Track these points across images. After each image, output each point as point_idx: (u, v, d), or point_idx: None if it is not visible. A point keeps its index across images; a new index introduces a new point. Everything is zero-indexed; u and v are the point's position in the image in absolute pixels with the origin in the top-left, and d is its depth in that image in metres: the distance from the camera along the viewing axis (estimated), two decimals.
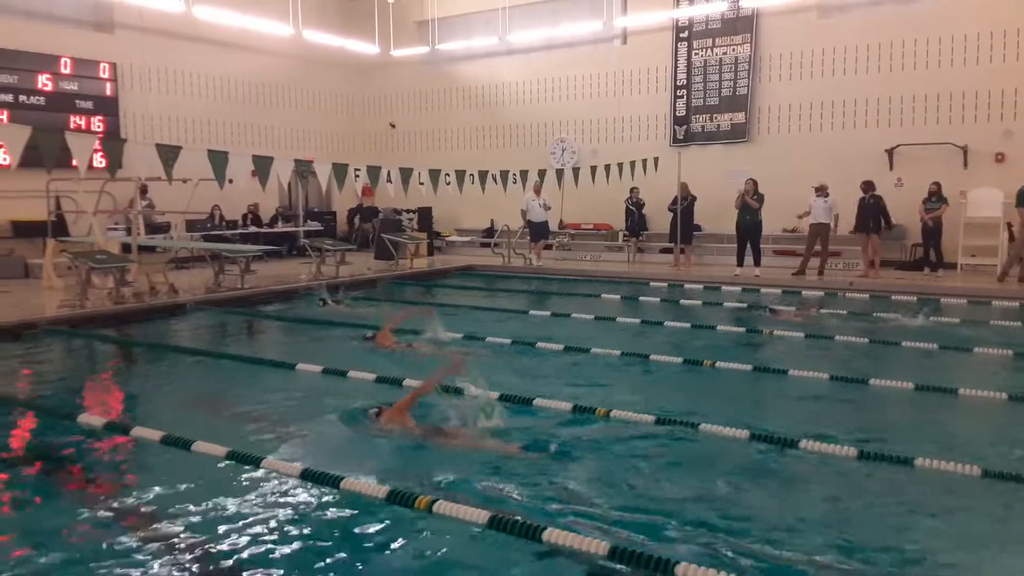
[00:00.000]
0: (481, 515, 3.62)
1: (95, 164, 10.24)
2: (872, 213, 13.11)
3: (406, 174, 11.97)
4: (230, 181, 9.63)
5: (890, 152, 14.55)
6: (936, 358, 7.50)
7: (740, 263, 13.89)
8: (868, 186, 13.21)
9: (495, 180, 13.41)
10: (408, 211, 18.63)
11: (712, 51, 16.29)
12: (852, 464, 4.44)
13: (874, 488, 4.22)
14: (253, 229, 16.72)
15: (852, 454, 4.50)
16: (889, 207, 13.24)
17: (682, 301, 11.36)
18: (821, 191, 13.25)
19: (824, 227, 13.25)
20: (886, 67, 14.69)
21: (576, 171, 14.83)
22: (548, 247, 16.68)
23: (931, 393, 6.01)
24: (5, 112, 13.37)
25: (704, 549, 3.47)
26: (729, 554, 3.43)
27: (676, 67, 16.73)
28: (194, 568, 3.33)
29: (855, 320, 9.67)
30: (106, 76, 15.05)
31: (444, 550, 3.56)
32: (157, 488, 4.19)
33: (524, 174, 14.04)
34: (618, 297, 11.51)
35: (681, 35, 16.61)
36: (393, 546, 3.61)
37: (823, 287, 12.27)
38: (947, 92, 14.14)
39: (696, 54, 16.48)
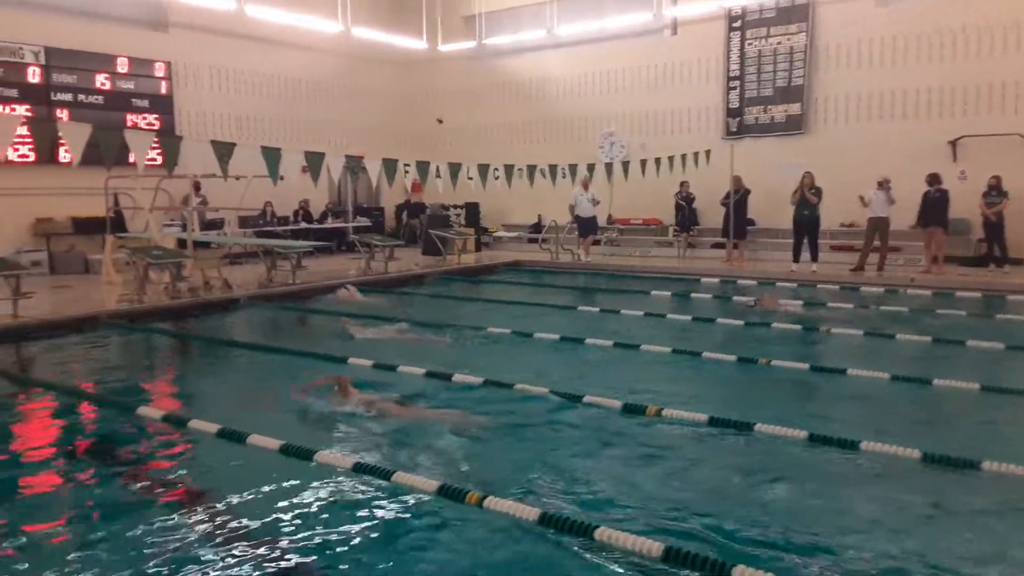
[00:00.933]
0: (531, 512, 3.58)
1: (151, 161, 10.45)
2: (937, 207, 12.65)
3: (455, 169, 11.97)
4: (281, 177, 9.73)
5: (953, 144, 14.03)
6: (1003, 358, 7.19)
7: (796, 258, 13.55)
8: (934, 179, 12.75)
9: (543, 175, 13.33)
10: (455, 207, 18.68)
11: (766, 41, 15.93)
12: (915, 465, 4.27)
13: (939, 492, 4.04)
14: (304, 225, 16.94)
15: (916, 455, 4.33)
16: (953, 201, 12.77)
17: (735, 297, 11.13)
18: (882, 185, 12.84)
19: (883, 221, 12.85)
20: (948, 55, 14.17)
21: (625, 165, 14.66)
22: (596, 242, 16.54)
23: (998, 395, 5.76)
24: (65, 111, 13.75)
25: (759, 550, 3.36)
26: (784, 557, 3.31)
27: (729, 58, 16.41)
28: (244, 558, 3.34)
29: (918, 317, 9.35)
30: (161, 75, 15.38)
31: (493, 546, 3.51)
32: (212, 480, 4.25)
33: (573, 168, 13.93)
34: (668, 293, 11.33)
35: (734, 25, 16.28)
36: (441, 540, 3.57)
37: (883, 283, 11.91)
38: (1013, 81, 13.57)
39: (749, 44, 16.14)
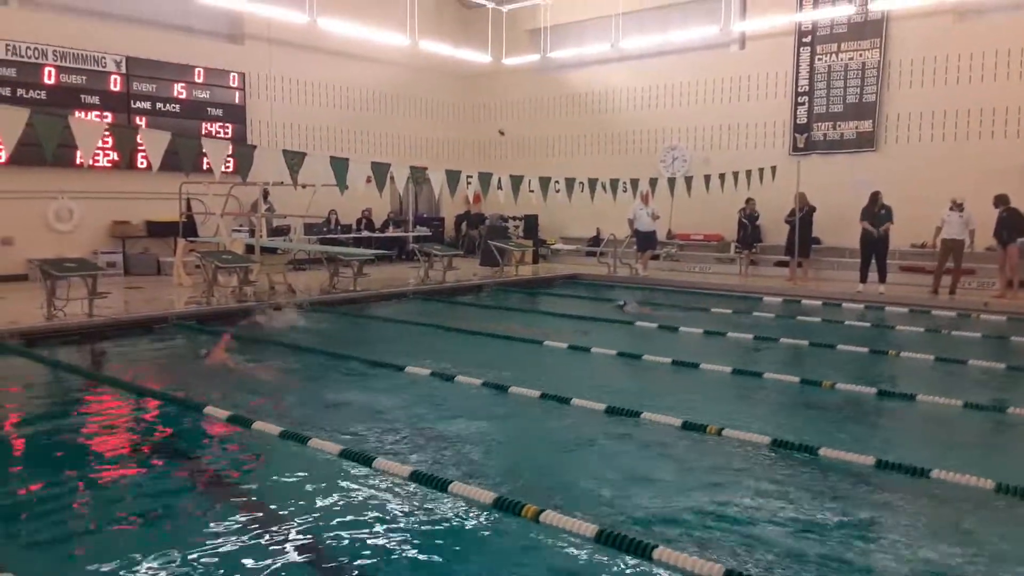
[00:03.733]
0: (589, 528, 3.55)
1: (224, 169, 10.78)
2: (1007, 226, 12.16)
3: (516, 182, 12.02)
4: (347, 187, 9.93)
5: None
6: None
7: (864, 279, 13.17)
8: (1000, 200, 12.27)
9: (604, 188, 13.28)
10: (514, 218, 18.74)
11: (837, 56, 15.60)
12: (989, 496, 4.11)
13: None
14: (366, 234, 17.22)
15: (989, 486, 4.16)
16: None
17: (798, 317, 10.88)
18: (957, 206, 12.40)
19: (958, 243, 12.38)
20: None
21: (688, 180, 14.50)
22: (655, 257, 16.39)
23: None
24: (143, 118, 14.29)
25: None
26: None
27: (798, 73, 16.11)
28: (300, 560, 3.40)
29: (989, 343, 9.01)
30: (235, 85, 15.86)
31: (547, 560, 3.50)
32: (273, 481, 4.33)
33: (634, 182, 13.84)
34: (729, 311, 11.14)
35: (804, 40, 15.99)
36: (495, 553, 3.58)
37: (955, 307, 11.49)
38: None
39: (819, 59, 15.82)
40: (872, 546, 3.62)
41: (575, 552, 3.49)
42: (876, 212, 12.92)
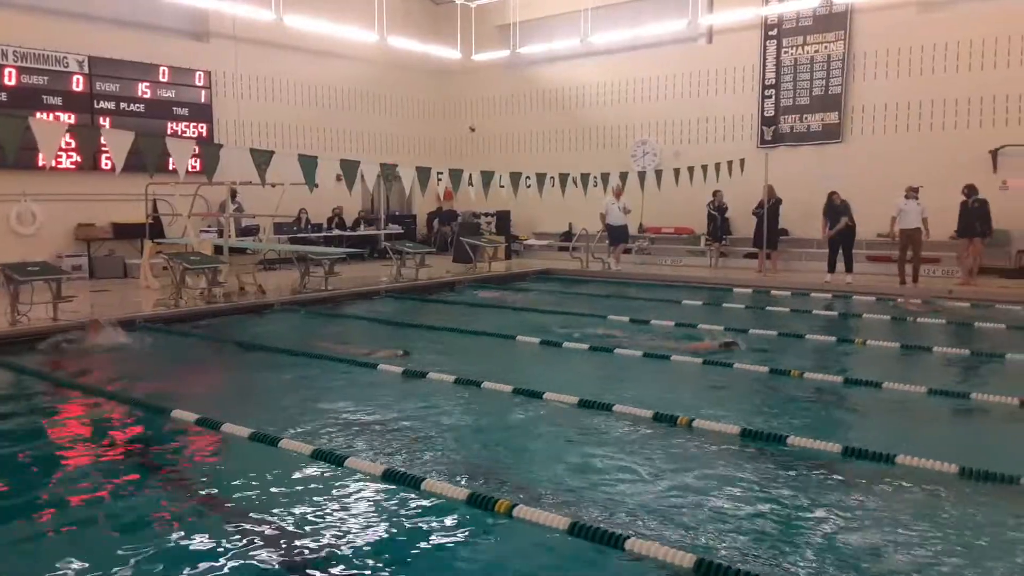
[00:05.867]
0: (562, 521, 3.57)
1: (190, 168, 10.64)
2: (977, 217, 12.39)
3: (487, 177, 12.02)
4: (316, 185, 9.86)
5: (994, 153, 13.76)
6: None
7: (831, 269, 13.36)
8: (971, 190, 12.49)
9: (575, 183, 13.32)
10: (486, 214, 18.73)
11: (803, 49, 15.78)
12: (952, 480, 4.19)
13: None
14: (337, 232, 17.11)
15: (952, 470, 4.25)
16: (993, 211, 12.50)
17: (767, 308, 11.01)
18: (913, 193, 12.59)
19: (917, 232, 12.59)
20: (990, 64, 13.91)
21: (658, 173, 14.59)
22: (627, 251, 16.47)
23: None
24: (107, 119, 14.05)
25: (790, 565, 3.32)
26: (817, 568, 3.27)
27: (764, 66, 16.28)
28: (274, 562, 3.37)
29: (953, 330, 9.19)
30: (201, 84, 15.66)
31: (522, 554, 3.51)
32: (243, 484, 4.29)
33: (605, 177, 13.90)
34: (699, 303, 11.24)
35: (770, 33, 16.15)
36: (470, 548, 3.58)
37: (920, 295, 11.70)
38: None
39: (786, 52, 15.99)
40: (839, 531, 3.68)
41: (549, 546, 3.51)
42: (839, 209, 13.14)
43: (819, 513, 3.89)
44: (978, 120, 14.08)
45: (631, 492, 4.15)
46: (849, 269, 13.25)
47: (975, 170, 13.48)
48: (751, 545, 3.52)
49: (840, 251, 13.29)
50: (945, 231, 12.96)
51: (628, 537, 3.38)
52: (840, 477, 4.37)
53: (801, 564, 3.34)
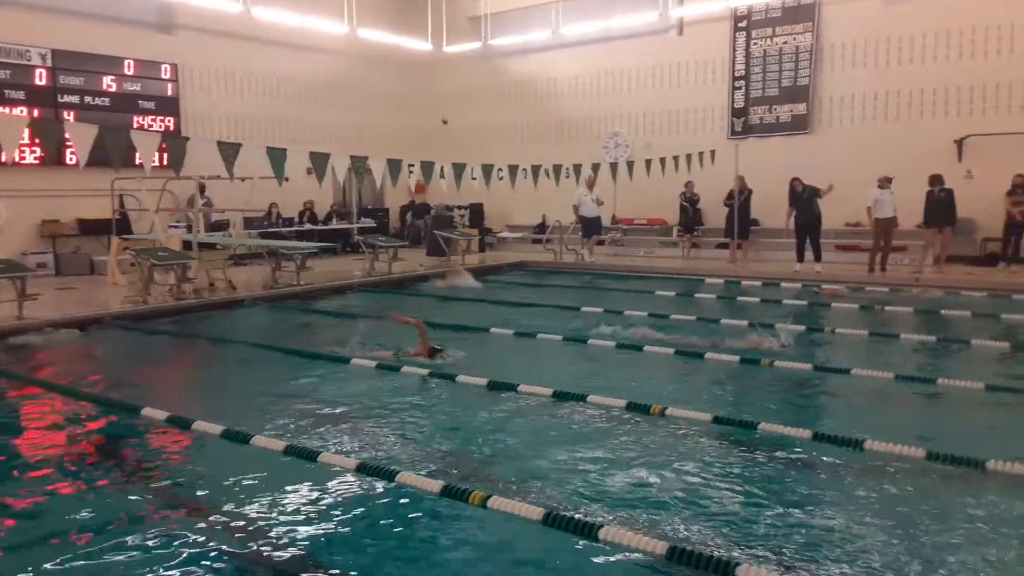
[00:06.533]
0: (536, 511, 3.57)
1: (157, 163, 10.48)
2: (943, 207, 12.60)
3: (459, 170, 11.98)
4: (286, 179, 9.76)
5: (959, 143, 13.99)
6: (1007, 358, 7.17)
7: (800, 258, 13.52)
8: (936, 180, 12.70)
9: (547, 175, 13.32)
10: (460, 207, 18.68)
11: (772, 40, 15.91)
12: (920, 465, 4.26)
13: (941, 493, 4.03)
14: (308, 226, 16.97)
15: (919, 454, 4.32)
16: (959, 200, 12.73)
17: (739, 298, 11.11)
18: (886, 182, 12.77)
19: (893, 221, 12.77)
20: (955, 54, 14.13)
21: (630, 165, 14.65)
22: (600, 243, 16.53)
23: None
24: (72, 113, 13.79)
25: (764, 550, 3.36)
26: (788, 555, 3.31)
27: (734, 57, 16.39)
28: (250, 560, 3.35)
29: (922, 317, 9.35)
30: (168, 76, 15.42)
31: (497, 545, 3.52)
32: (216, 481, 4.25)
33: (577, 168, 13.92)
34: (672, 294, 11.31)
35: (739, 24, 16.26)
36: (445, 540, 3.58)
37: (888, 283, 11.88)
38: (1020, 80, 13.52)
39: (755, 44, 16.11)
40: (809, 515, 3.73)
41: (523, 536, 3.52)
42: (802, 197, 13.29)
43: (790, 498, 3.94)
44: (943, 110, 14.31)
45: (607, 481, 4.17)
46: (818, 258, 13.41)
47: (941, 160, 13.71)
48: (724, 531, 3.55)
49: (808, 241, 13.45)
50: (912, 220, 13.16)
51: (602, 526, 3.40)
52: (810, 462, 4.43)
53: (772, 548, 3.38)
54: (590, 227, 15.79)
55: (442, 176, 11.87)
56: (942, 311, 9.51)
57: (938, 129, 14.20)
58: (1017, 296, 10.52)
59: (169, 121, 15.35)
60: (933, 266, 12.80)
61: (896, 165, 13.46)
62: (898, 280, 11.99)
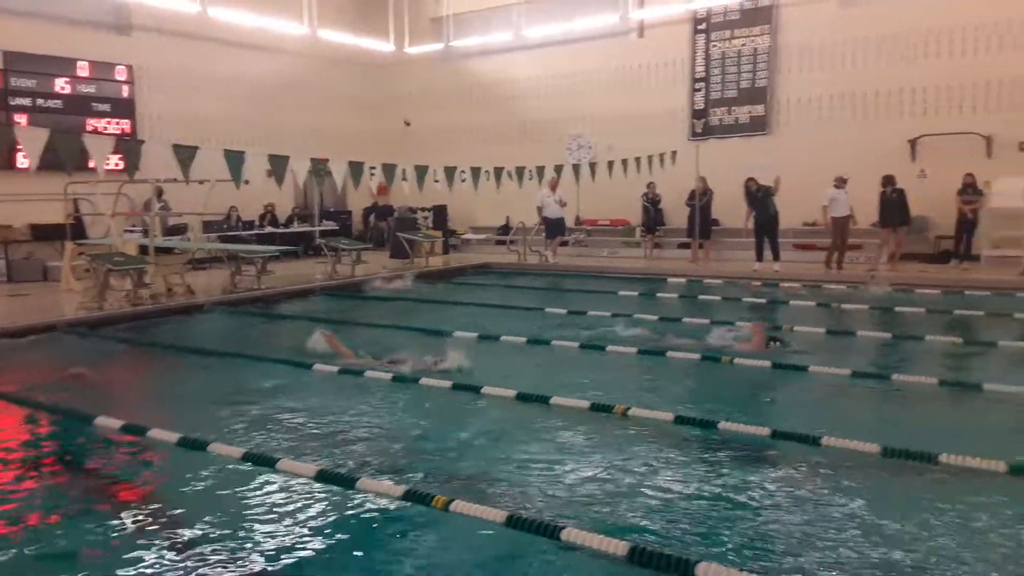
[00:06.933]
0: (499, 515, 3.57)
1: (112, 166, 10.27)
2: (895, 207, 12.90)
3: (421, 172, 11.93)
4: (246, 182, 9.63)
5: (913, 143, 14.32)
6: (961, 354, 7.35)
7: (759, 258, 13.73)
8: (888, 180, 13.00)
9: (511, 177, 13.33)
10: (423, 209, 18.61)
11: (730, 43, 16.12)
12: (875, 460, 4.34)
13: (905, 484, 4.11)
14: (269, 229, 16.76)
15: (875, 450, 4.39)
16: (913, 199, 13.03)
17: (700, 296, 11.24)
18: (842, 182, 13.05)
19: (847, 220, 13.07)
20: (908, 56, 14.47)
21: (592, 166, 14.73)
22: (564, 244, 16.59)
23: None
24: (24, 116, 13.46)
25: (724, 549, 3.40)
26: (749, 554, 3.35)
27: (694, 60, 16.57)
28: (207, 570, 3.29)
29: (876, 314, 9.54)
30: (123, 78, 15.13)
31: (460, 549, 3.51)
32: (172, 489, 4.18)
33: (540, 170, 13.96)
34: (635, 294, 11.40)
35: (699, 27, 16.45)
36: (408, 545, 3.56)
37: (844, 280, 12.10)
38: (971, 82, 13.90)
39: (714, 46, 16.32)
40: (767, 512, 3.78)
41: (486, 539, 3.51)
42: (756, 196, 13.51)
43: (748, 495, 3.98)
44: (897, 111, 14.64)
45: (570, 482, 4.18)
46: (776, 257, 13.62)
47: (895, 159, 14.02)
48: (684, 529, 3.59)
49: (767, 240, 13.67)
50: (868, 219, 13.43)
51: (563, 528, 3.40)
52: (768, 459, 4.49)
53: (731, 547, 3.42)
54: (554, 228, 15.84)
55: (404, 178, 11.81)
56: (896, 308, 9.71)
57: (892, 129, 14.52)
58: (969, 292, 10.78)
59: (125, 123, 15.07)
60: (888, 264, 13.10)
61: (852, 165, 13.74)
62: (854, 278, 12.22)
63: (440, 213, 18.87)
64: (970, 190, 12.97)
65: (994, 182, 13.17)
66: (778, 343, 7.43)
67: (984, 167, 13.42)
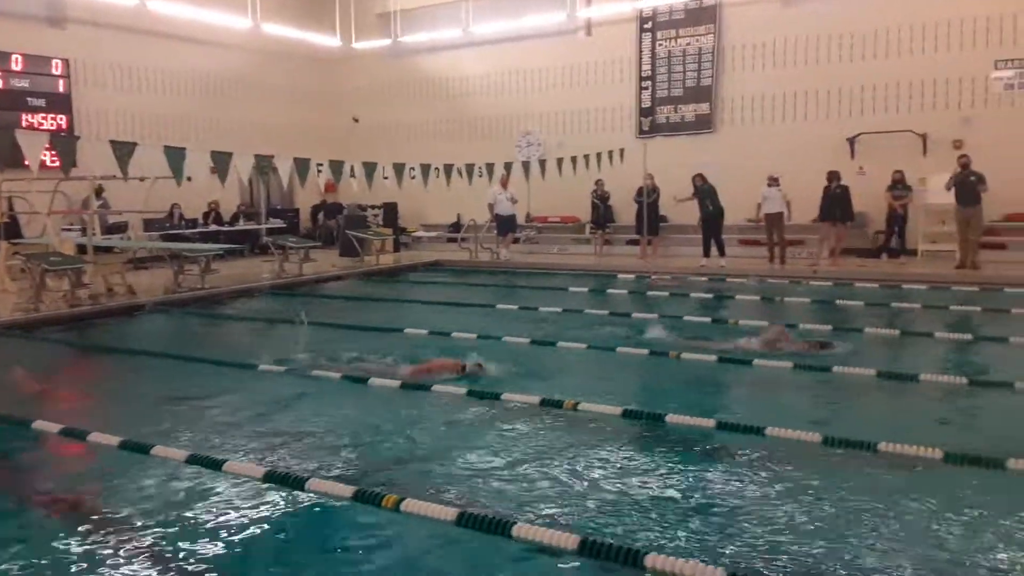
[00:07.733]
0: (449, 512, 3.56)
1: (48, 163, 9.94)
2: (839, 203, 13.27)
3: (370, 169, 11.82)
4: (188, 179, 9.40)
5: (852, 141, 14.73)
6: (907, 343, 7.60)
7: (706, 254, 13.98)
8: (833, 176, 13.37)
9: (460, 174, 13.30)
10: (373, 207, 18.44)
11: (676, 41, 16.35)
12: (817, 449, 4.45)
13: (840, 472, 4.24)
14: (214, 228, 16.42)
15: (816, 439, 4.51)
16: (853, 195, 13.41)
17: (649, 293, 11.38)
18: (774, 181, 13.45)
19: (779, 216, 13.47)
20: (847, 56, 14.87)
21: (542, 163, 14.79)
22: (515, 240, 16.63)
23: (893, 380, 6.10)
24: None
25: (676, 540, 3.46)
26: (699, 544, 3.42)
27: (641, 58, 16.76)
28: (152, 574, 3.22)
29: (818, 306, 9.80)
30: (59, 72, 14.65)
31: (412, 548, 3.50)
32: (114, 494, 4.07)
33: (490, 167, 13.96)
34: (585, 290, 11.49)
35: (645, 26, 16.64)
36: (360, 546, 3.54)
37: (786, 275, 12.39)
38: (907, 80, 14.36)
39: (660, 45, 16.52)
40: (715, 502, 3.86)
41: (437, 537, 3.51)
42: (702, 191, 13.79)
43: (696, 485, 4.07)
44: (836, 110, 15.04)
45: (519, 477, 4.20)
46: (722, 253, 13.89)
47: (835, 157, 14.40)
48: (634, 520, 3.64)
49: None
50: (808, 215, 13.77)
51: (515, 523, 3.42)
52: (714, 451, 4.58)
53: (682, 536, 3.48)
54: (505, 225, 15.87)
55: (353, 175, 11.68)
56: (836, 301, 9.99)
57: (832, 127, 14.91)
58: (907, 285, 11.15)
59: (61, 119, 14.60)
60: (829, 259, 13.46)
61: (793, 162, 14.08)
62: (796, 272, 12.52)
63: (390, 211, 18.70)
64: (900, 186, 13.42)
65: (928, 179, 13.64)
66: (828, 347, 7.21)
67: (920, 164, 13.89)
